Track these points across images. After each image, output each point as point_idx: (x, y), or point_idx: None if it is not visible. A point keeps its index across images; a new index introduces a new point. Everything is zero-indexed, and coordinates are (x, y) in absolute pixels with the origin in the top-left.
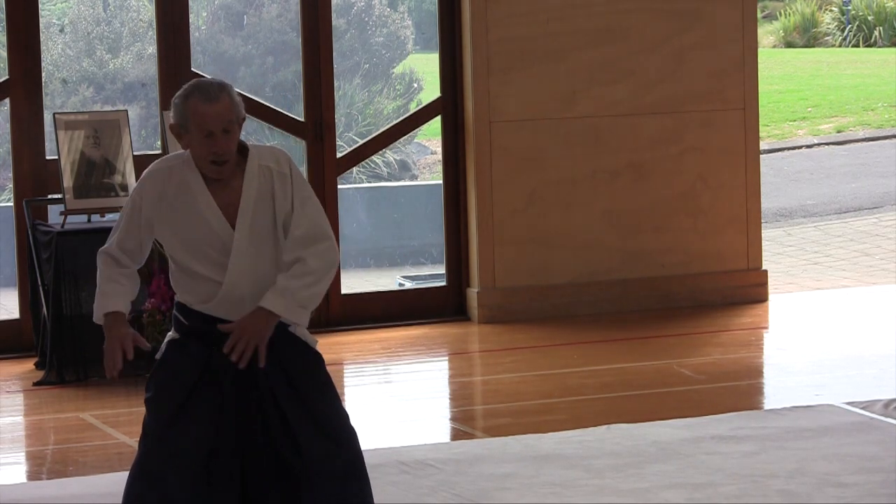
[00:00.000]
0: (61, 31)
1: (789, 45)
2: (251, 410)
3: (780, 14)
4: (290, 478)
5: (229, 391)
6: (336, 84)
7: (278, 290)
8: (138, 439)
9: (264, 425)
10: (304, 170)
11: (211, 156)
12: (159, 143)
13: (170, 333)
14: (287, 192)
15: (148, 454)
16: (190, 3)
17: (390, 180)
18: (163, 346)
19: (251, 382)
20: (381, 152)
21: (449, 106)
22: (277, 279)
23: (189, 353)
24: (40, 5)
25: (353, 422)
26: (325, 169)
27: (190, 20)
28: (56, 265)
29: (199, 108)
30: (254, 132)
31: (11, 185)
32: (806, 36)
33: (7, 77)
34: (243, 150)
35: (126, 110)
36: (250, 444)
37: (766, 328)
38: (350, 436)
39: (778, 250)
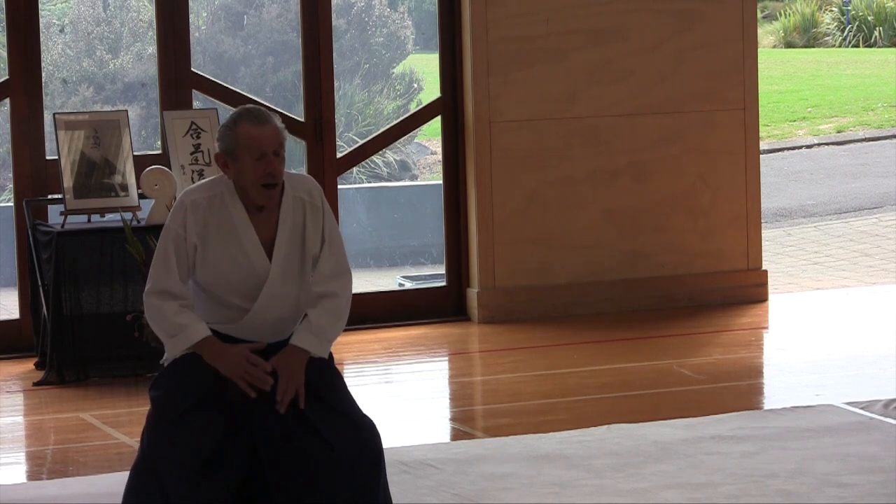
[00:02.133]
0: (61, 31)
1: (789, 45)
2: (266, 414)
3: (780, 14)
4: (319, 474)
5: (241, 398)
6: (336, 84)
7: (312, 330)
8: (141, 434)
9: (283, 426)
10: (304, 170)
11: (264, 178)
12: (159, 143)
13: None
14: (318, 226)
15: (151, 453)
16: (190, 3)
17: (390, 180)
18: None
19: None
20: (381, 152)
21: (449, 106)
22: (309, 313)
23: (203, 362)
24: (40, 5)
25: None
26: (325, 169)
27: (190, 20)
28: (56, 265)
29: (250, 131)
30: None
31: (11, 185)
32: (806, 36)
33: (7, 77)
34: None
35: (126, 110)
36: (268, 445)
37: (766, 328)
38: (372, 424)
39: (778, 250)
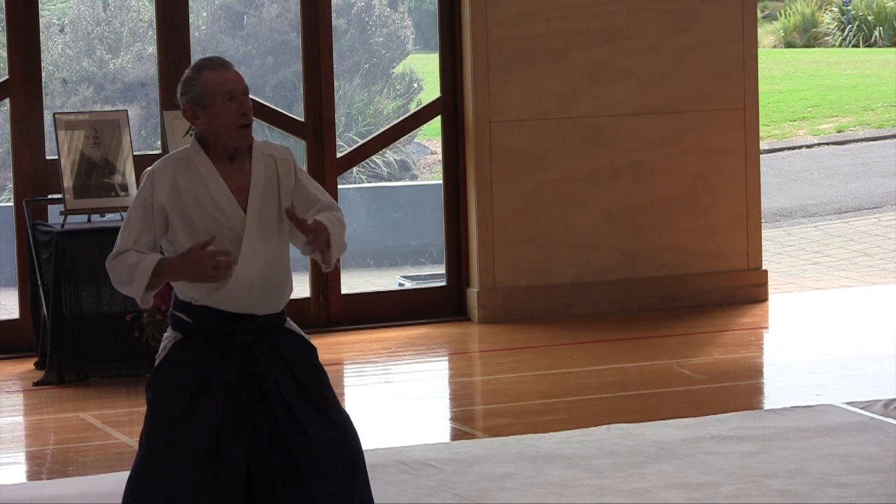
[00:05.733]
0: (61, 31)
1: (789, 45)
2: (257, 406)
3: (780, 14)
4: (300, 470)
5: (234, 388)
6: (336, 84)
7: (330, 218)
8: (140, 435)
9: (271, 420)
10: (304, 169)
11: (239, 119)
12: (159, 143)
13: (168, 334)
14: (290, 173)
15: (151, 456)
16: (190, 3)
17: (390, 180)
18: (163, 346)
19: (256, 378)
20: (381, 152)
21: (449, 106)
22: (320, 216)
23: (193, 353)
24: (40, 5)
25: (354, 422)
26: (325, 169)
27: (190, 20)
28: (56, 265)
29: (216, 76)
30: (254, 132)
31: (11, 185)
32: (806, 36)
33: (7, 77)
34: None
35: (126, 110)
36: (257, 439)
37: (766, 328)
38: (351, 424)
39: (778, 250)
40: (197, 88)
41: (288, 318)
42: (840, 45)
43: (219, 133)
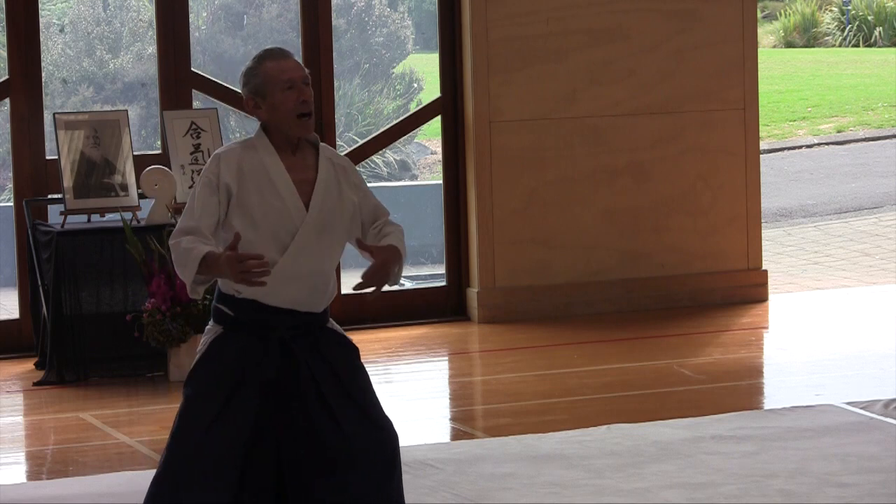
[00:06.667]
0: (61, 31)
1: (789, 45)
2: (293, 402)
3: (780, 14)
4: (335, 466)
5: (271, 386)
6: (336, 84)
7: (399, 237)
8: (171, 430)
9: (307, 415)
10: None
11: (299, 107)
12: (159, 143)
13: (209, 327)
14: (351, 182)
15: (182, 456)
16: (190, 3)
17: (390, 180)
18: (204, 341)
19: (293, 374)
20: (381, 152)
21: (449, 106)
22: (385, 233)
23: (233, 348)
24: (40, 5)
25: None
26: None
27: (190, 20)
28: (56, 265)
29: (276, 65)
30: (254, 132)
31: (11, 185)
32: (806, 36)
33: (7, 77)
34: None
35: (126, 110)
36: (290, 435)
37: (766, 328)
38: (391, 425)
39: (778, 250)
40: (258, 78)
41: (331, 319)
42: (840, 45)
43: (279, 122)
